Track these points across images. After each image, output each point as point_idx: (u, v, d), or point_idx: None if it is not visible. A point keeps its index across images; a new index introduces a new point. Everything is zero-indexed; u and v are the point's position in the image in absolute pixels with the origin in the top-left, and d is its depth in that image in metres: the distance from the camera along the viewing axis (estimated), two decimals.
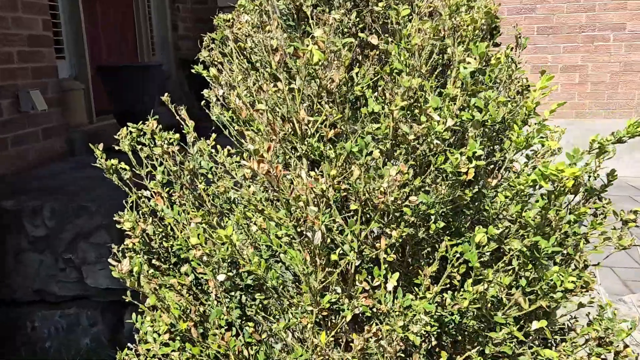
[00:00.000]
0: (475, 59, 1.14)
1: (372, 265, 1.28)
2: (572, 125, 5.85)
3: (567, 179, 1.06)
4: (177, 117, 1.53)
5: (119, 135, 1.48)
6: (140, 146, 1.50)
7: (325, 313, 1.13)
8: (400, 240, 1.15)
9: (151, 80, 4.75)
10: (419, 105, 1.20)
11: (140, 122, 1.55)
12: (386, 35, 1.36)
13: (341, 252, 1.13)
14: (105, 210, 3.07)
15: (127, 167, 1.48)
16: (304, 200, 1.03)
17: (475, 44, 1.16)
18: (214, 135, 1.62)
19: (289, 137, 1.18)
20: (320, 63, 1.12)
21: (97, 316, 3.22)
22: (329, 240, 1.15)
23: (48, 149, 4.19)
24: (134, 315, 1.50)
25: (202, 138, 1.61)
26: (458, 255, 1.10)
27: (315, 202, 1.08)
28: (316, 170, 1.29)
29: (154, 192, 1.50)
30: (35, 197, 3.21)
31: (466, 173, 1.11)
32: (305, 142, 1.15)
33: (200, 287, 1.48)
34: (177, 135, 1.51)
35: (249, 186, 1.37)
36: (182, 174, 1.45)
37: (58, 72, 4.40)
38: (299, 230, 1.11)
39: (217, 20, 1.41)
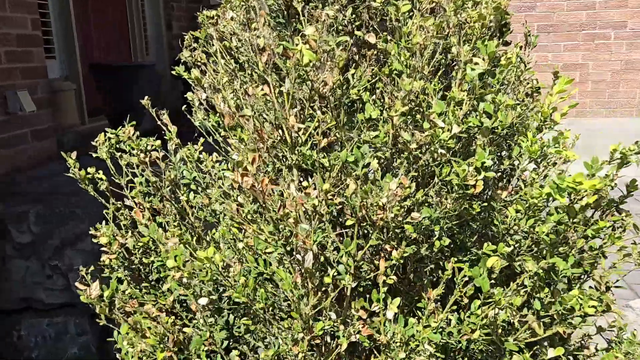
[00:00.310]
0: (483, 59, 1.03)
1: (370, 283, 1.17)
2: (572, 125, 5.75)
3: (586, 192, 0.96)
4: (158, 122, 1.41)
5: (96, 142, 1.36)
6: (119, 153, 1.38)
7: (317, 341, 1.02)
8: (402, 260, 1.04)
9: (146, 80, 4.64)
10: (421, 110, 1.09)
11: (121, 126, 1.43)
12: (385, 33, 1.26)
13: (336, 273, 1.02)
14: (93, 215, 2.96)
15: (104, 177, 1.36)
16: (294, 217, 0.92)
17: (483, 42, 1.04)
18: (202, 140, 1.51)
19: (278, 145, 1.07)
20: (311, 64, 1.01)
21: (85, 324, 3.12)
22: (322, 258, 1.05)
23: (39, 151, 4.08)
24: (115, 333, 1.40)
25: (189, 143, 1.50)
26: (467, 279, 1.00)
27: (307, 217, 0.97)
28: (309, 179, 1.17)
29: (135, 202, 1.39)
30: (21, 202, 3.11)
31: (474, 186, 0.99)
32: (296, 152, 1.04)
33: (185, 305, 1.37)
34: (158, 142, 1.39)
35: (238, 196, 1.26)
36: (162, 184, 1.34)
37: (48, 72, 4.30)
38: (288, 249, 1.00)
39: (201, 18, 1.30)
